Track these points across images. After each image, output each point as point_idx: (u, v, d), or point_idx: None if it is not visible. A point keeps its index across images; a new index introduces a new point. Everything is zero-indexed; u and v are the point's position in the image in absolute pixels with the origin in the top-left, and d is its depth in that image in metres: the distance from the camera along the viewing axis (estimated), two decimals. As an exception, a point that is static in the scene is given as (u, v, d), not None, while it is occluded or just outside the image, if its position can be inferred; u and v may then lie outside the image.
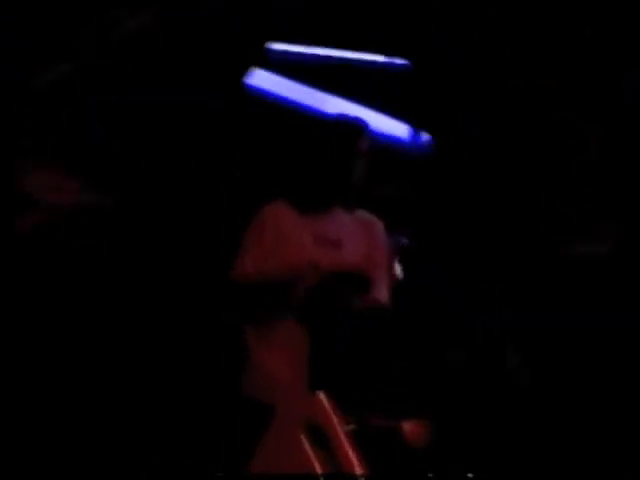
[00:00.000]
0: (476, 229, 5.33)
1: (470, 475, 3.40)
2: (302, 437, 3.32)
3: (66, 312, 4.73)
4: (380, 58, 5.92)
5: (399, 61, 5.87)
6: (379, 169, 3.89)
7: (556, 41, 4.97)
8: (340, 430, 3.29)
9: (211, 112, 5.50)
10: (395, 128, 6.02)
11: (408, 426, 3.42)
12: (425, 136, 5.99)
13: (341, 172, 3.71)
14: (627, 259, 4.90)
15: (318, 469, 3.25)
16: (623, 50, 4.81)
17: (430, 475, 3.37)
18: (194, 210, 5.20)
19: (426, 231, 5.24)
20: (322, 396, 3.36)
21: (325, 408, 3.34)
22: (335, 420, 3.31)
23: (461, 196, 5.45)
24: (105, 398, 4.56)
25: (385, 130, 5.88)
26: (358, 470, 3.20)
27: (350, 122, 3.81)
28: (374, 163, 3.82)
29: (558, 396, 4.60)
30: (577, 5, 4.68)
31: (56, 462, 4.32)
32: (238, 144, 5.60)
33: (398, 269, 3.93)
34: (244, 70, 5.87)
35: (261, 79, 6.11)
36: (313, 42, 5.95)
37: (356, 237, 3.74)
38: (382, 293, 3.71)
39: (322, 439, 3.30)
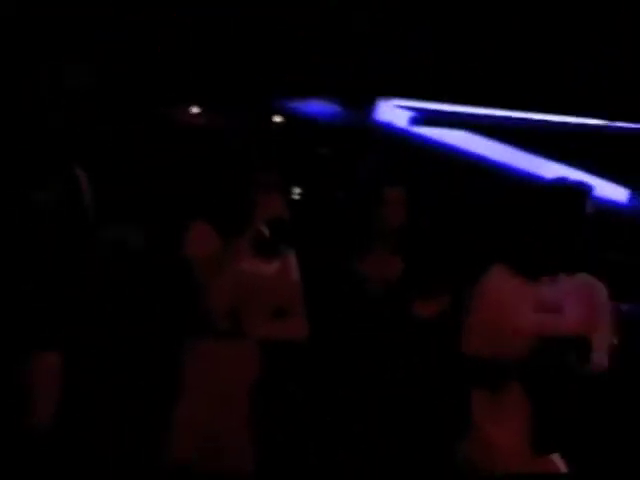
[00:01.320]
0: None
1: None
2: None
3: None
4: (598, 122, 5.83)
5: (619, 124, 5.77)
6: (602, 234, 3.81)
7: None
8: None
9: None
10: (615, 192, 5.91)
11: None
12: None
13: (567, 238, 3.65)
14: None
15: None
16: None
17: None
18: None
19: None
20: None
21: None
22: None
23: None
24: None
25: (605, 195, 5.76)
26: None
27: (574, 186, 3.73)
28: (597, 228, 3.74)
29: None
30: None
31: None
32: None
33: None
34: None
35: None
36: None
37: (577, 301, 3.67)
38: (602, 357, 3.64)
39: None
